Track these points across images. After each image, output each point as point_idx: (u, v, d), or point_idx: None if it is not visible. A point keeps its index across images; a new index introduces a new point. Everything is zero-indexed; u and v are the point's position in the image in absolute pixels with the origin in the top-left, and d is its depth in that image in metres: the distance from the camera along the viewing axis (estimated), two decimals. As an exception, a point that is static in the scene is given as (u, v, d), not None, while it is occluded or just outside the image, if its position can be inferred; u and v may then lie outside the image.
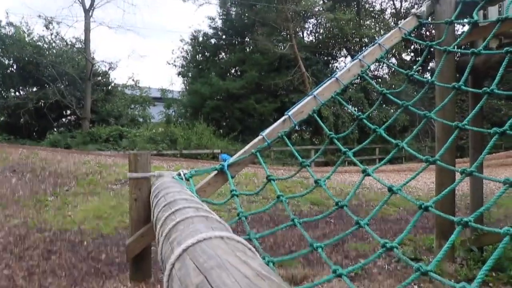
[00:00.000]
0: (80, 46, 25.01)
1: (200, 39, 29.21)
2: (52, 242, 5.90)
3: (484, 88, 3.24)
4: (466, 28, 4.32)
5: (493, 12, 5.05)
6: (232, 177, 3.50)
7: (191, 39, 29.37)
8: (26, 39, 23.83)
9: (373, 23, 28.14)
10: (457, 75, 5.01)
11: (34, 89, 24.48)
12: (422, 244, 5.82)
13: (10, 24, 23.58)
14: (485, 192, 6.72)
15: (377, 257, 2.39)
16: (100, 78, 25.77)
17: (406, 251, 5.44)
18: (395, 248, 2.30)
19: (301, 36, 29.34)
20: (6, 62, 23.93)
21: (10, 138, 21.19)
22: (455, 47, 4.11)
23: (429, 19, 4.79)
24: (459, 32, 9.04)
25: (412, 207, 8.46)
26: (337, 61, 30.27)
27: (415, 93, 23.18)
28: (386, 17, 29.64)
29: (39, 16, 23.65)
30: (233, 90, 24.67)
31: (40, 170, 10.58)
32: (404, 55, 29.22)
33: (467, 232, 5.37)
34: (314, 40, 29.12)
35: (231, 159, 3.57)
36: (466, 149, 18.86)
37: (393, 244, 2.33)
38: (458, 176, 2.76)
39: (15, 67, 23.93)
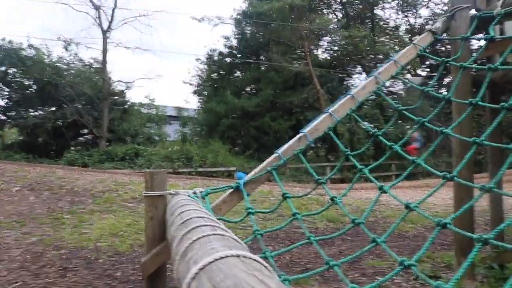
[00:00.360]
0: (98, 66, 25.43)
1: (216, 58, 29.51)
2: (69, 259, 5.92)
3: (502, 103, 3.21)
4: (482, 42, 4.30)
5: (509, 27, 5.02)
6: (248, 195, 3.49)
7: (207, 58, 29.71)
8: (46, 60, 24.32)
9: (387, 40, 28.17)
10: (474, 89, 4.97)
11: (53, 108, 24.91)
12: (440, 261, 5.72)
13: (31, 46, 24.12)
14: (505, 208, 6.59)
15: (395, 275, 2.35)
16: (117, 97, 26.12)
17: (425, 268, 5.34)
18: (413, 266, 2.27)
19: (316, 53, 29.47)
20: (26, 83, 24.43)
21: (29, 157, 21.51)
22: (472, 63, 4.08)
23: (444, 35, 4.77)
24: (475, 46, 9.00)
25: (429, 223, 8.33)
26: (352, 78, 30.31)
27: (431, 108, 23.04)
28: (400, 33, 29.65)
29: (59, 38, 24.17)
30: (248, 108, 24.80)
31: (57, 188, 10.69)
32: (419, 71, 29.12)
33: (487, 248, 5.27)
34: (328, 58, 29.22)
35: (247, 177, 3.56)
36: (484, 164, 18.61)
37: (411, 262, 2.30)
38: (476, 192, 2.72)
39: (35, 87, 24.41)
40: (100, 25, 24.21)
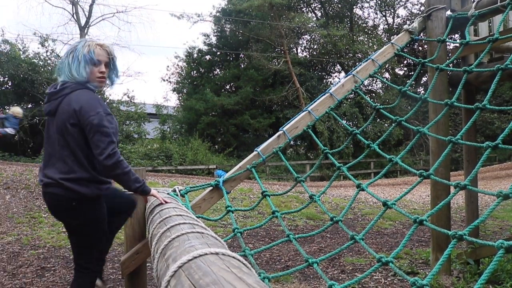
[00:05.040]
0: (75, 63, 24.98)
1: (195, 55, 29.38)
2: (46, 259, 5.85)
3: (476, 104, 3.28)
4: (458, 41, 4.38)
5: (483, 28, 5.13)
6: (228, 193, 3.50)
7: (186, 56, 29.55)
8: (22, 56, 23.83)
9: (366, 39, 28.45)
10: (450, 89, 5.07)
11: (29, 106, 24.46)
12: (418, 257, 5.81)
13: (5, 41, 23.61)
14: (480, 205, 6.73)
15: (373, 272, 2.39)
16: (95, 94, 25.73)
17: (403, 264, 5.43)
18: (390, 263, 2.31)
19: (295, 52, 29.59)
20: (1, 79, 23.92)
21: (4, 155, 21.07)
22: (448, 65, 4.15)
23: (421, 35, 4.85)
24: (451, 46, 9.15)
25: (407, 221, 8.46)
26: (331, 76, 30.55)
27: (409, 107, 23.37)
28: (379, 32, 29.99)
29: (35, 33, 23.72)
30: (228, 106, 24.75)
31: (34, 187, 10.52)
32: (397, 70, 29.50)
33: (464, 245, 5.38)
34: (308, 56, 29.36)
35: (226, 175, 3.57)
36: (461, 162, 18.96)
37: (388, 258, 2.33)
38: (452, 189, 2.77)
39: (10, 84, 23.92)
40: (77, 21, 23.84)
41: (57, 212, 2.77)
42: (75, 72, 2.59)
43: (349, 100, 24.33)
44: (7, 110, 12.96)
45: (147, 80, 69.30)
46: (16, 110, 13.64)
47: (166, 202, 2.66)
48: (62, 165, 2.61)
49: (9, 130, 13.20)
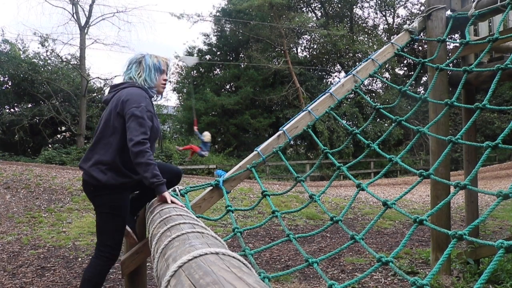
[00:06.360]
0: (75, 62, 25.03)
1: (195, 55, 29.36)
2: (46, 258, 5.85)
3: (476, 104, 3.27)
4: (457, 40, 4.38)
5: (483, 28, 5.13)
6: (228, 193, 3.49)
7: (186, 56, 29.51)
8: (22, 56, 23.85)
9: (366, 39, 28.43)
10: (450, 88, 5.06)
11: (29, 105, 24.46)
12: (418, 257, 5.81)
13: (5, 41, 23.63)
14: (480, 205, 6.73)
15: (373, 271, 2.39)
16: (95, 94, 25.75)
17: (403, 264, 5.43)
18: (390, 262, 2.30)
19: (295, 52, 29.57)
20: (1, 79, 23.92)
21: (5, 154, 21.08)
22: (448, 65, 4.15)
23: (421, 34, 4.84)
24: (451, 46, 9.14)
25: (408, 220, 8.46)
26: (331, 76, 30.53)
27: (409, 107, 23.37)
28: (379, 32, 29.97)
29: (35, 33, 23.73)
30: (228, 106, 24.73)
31: (34, 187, 10.53)
32: (397, 70, 29.47)
33: (464, 244, 5.37)
34: (308, 56, 29.36)
35: (226, 175, 3.57)
36: (461, 162, 18.95)
37: (388, 258, 2.33)
38: (452, 189, 2.77)
39: (10, 84, 23.92)
40: (77, 20, 23.80)
41: (85, 193, 3.04)
42: (148, 78, 2.98)
43: (349, 100, 24.33)
44: (200, 135, 14.26)
45: (147, 80, 69.19)
46: (208, 136, 14.67)
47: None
48: (92, 147, 2.92)
49: (205, 153, 15.35)
